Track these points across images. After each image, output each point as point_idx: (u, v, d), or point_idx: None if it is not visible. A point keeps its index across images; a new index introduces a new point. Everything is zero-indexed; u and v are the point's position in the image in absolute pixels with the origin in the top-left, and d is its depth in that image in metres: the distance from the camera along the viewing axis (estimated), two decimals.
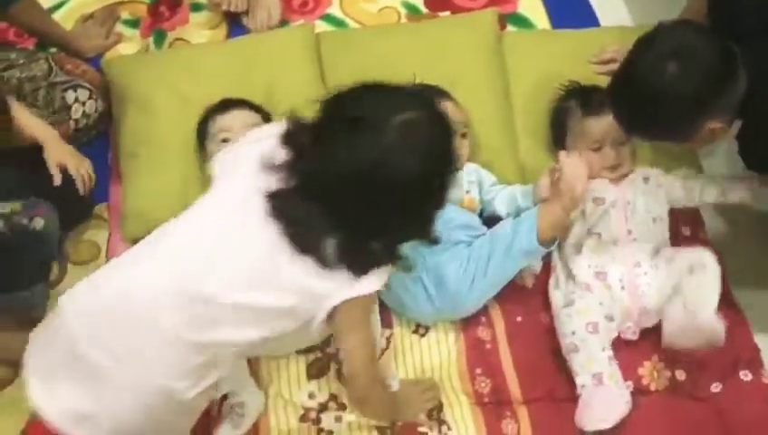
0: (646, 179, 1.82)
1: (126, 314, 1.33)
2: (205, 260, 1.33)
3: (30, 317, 1.73)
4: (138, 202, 1.84)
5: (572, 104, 1.86)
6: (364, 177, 1.23)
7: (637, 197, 1.78)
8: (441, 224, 1.66)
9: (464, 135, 1.84)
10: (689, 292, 1.60)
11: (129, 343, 1.32)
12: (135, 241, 1.79)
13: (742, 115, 1.57)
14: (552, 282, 1.77)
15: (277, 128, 1.37)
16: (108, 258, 1.88)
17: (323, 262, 1.28)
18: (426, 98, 1.35)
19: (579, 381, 1.62)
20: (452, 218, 1.71)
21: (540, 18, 2.26)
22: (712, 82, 1.48)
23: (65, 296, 1.40)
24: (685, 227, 1.88)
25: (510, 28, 2.24)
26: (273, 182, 1.29)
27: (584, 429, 1.58)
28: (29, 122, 1.74)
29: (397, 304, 1.75)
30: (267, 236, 1.29)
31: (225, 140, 1.77)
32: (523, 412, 1.66)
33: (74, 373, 1.33)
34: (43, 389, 1.34)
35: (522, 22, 2.26)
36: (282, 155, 1.31)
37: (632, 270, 1.69)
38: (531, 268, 1.79)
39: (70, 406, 1.33)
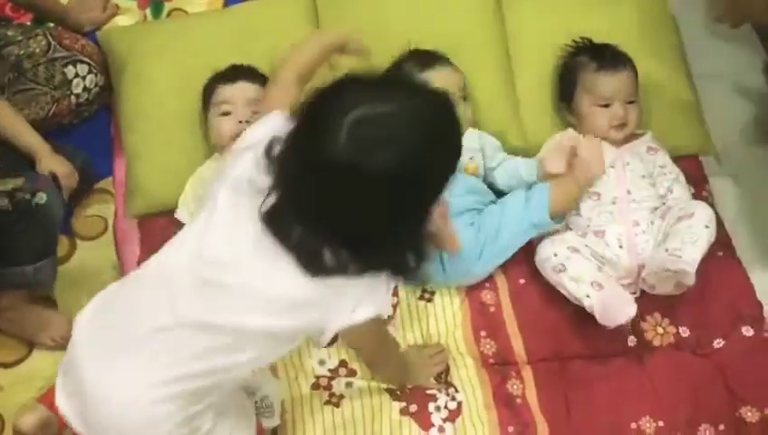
0: (650, 150, 1.82)
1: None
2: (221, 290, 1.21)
3: (42, 293, 1.78)
4: (142, 178, 1.85)
5: (585, 58, 1.85)
6: (325, 181, 1.10)
7: (635, 160, 1.79)
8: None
9: (464, 98, 1.84)
10: (671, 237, 1.64)
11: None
12: (140, 217, 1.85)
13: None
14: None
15: (262, 131, 1.24)
16: (115, 233, 1.90)
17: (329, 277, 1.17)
18: (407, 89, 1.18)
19: (581, 294, 1.65)
20: (457, 184, 1.71)
21: None
22: None
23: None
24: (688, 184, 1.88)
25: None
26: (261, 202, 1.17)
27: (610, 326, 1.62)
28: (23, 130, 1.78)
29: None
30: (278, 262, 1.17)
31: (225, 113, 1.77)
32: (528, 373, 1.69)
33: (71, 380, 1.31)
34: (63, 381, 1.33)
35: None
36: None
37: (630, 229, 1.72)
38: None
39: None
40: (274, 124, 1.23)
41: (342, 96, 1.10)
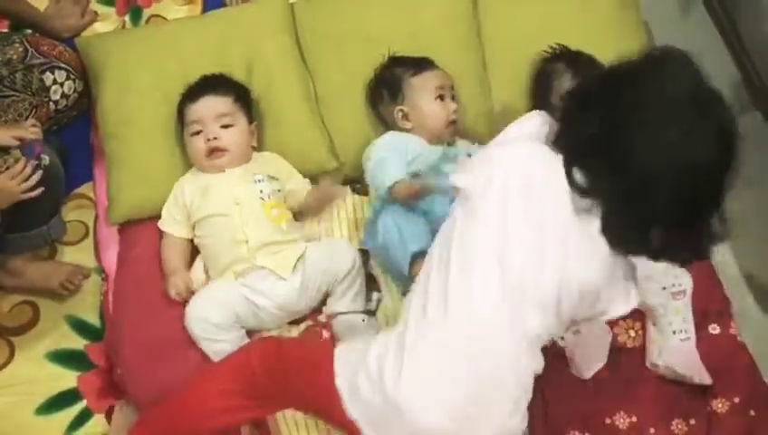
0: None
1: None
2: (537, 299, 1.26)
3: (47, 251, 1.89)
4: (123, 185, 1.86)
5: (561, 66, 1.88)
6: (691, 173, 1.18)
7: None
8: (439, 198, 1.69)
9: (453, 97, 1.87)
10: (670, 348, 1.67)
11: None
12: (121, 224, 1.86)
13: None
14: None
15: (529, 125, 1.33)
16: (95, 239, 1.91)
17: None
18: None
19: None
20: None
21: None
22: None
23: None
24: None
25: None
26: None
27: (585, 377, 1.66)
28: None
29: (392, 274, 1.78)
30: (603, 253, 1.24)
31: (197, 133, 1.78)
32: None
33: None
34: None
35: None
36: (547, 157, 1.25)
37: None
38: None
39: None
40: (535, 123, 1.33)
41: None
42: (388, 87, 1.88)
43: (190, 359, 1.64)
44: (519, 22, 2.03)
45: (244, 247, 1.70)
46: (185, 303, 1.69)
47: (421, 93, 1.84)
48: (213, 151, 1.77)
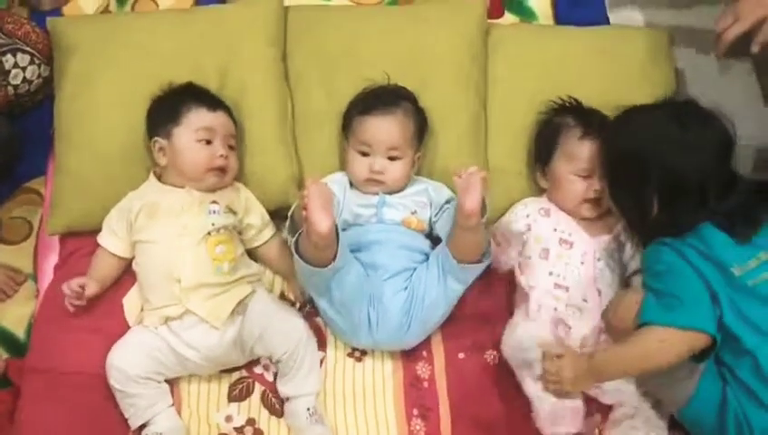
0: (620, 244, 1.66)
1: None
2: None
3: None
4: (66, 193, 1.69)
5: (570, 121, 1.69)
6: None
7: (605, 255, 1.63)
8: (380, 247, 1.58)
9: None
10: None
11: None
12: (61, 235, 1.71)
13: None
14: (517, 318, 1.64)
15: None
16: (37, 241, 1.76)
17: None
18: None
19: (534, 391, 1.53)
20: (391, 239, 1.63)
21: (544, 6, 2.07)
22: None
23: None
24: None
25: (507, 16, 2.03)
26: None
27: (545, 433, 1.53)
28: None
29: (336, 328, 1.65)
30: None
31: (206, 141, 1.61)
32: None
33: None
34: None
35: (522, 10, 2.06)
36: None
37: (596, 335, 1.57)
38: None
39: None
40: None
41: None
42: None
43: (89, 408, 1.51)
44: (532, 66, 1.83)
45: (177, 287, 1.53)
46: (108, 335, 1.54)
47: None
48: (219, 169, 1.62)
